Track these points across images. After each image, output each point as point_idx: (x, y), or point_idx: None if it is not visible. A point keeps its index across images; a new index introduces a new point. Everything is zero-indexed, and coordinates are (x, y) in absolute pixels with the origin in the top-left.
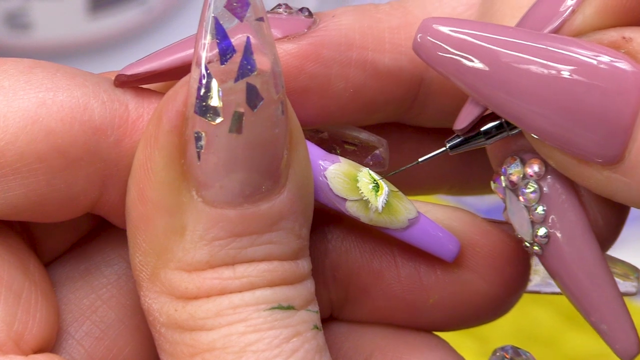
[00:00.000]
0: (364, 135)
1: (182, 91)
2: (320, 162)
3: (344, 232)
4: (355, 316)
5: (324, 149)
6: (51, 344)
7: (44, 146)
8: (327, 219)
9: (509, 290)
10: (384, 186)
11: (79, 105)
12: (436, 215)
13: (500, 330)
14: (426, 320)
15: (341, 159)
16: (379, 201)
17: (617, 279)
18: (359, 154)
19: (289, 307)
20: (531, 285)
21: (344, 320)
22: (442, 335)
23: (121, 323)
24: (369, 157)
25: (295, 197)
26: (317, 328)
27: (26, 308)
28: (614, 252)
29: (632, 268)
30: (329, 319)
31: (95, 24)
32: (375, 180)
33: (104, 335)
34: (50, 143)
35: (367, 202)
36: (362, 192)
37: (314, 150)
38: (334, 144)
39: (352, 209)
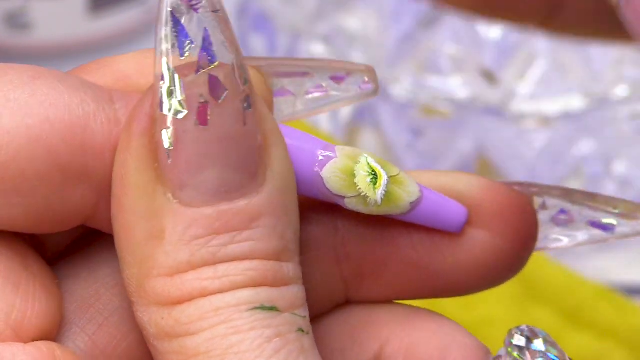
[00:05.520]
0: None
1: (150, 94)
2: (316, 156)
3: None
4: (373, 293)
5: (311, 88)
6: (53, 335)
7: (45, 165)
8: None
9: (521, 242)
10: (383, 175)
11: (81, 125)
12: (439, 181)
13: (501, 330)
14: (446, 285)
15: (338, 151)
16: (377, 194)
17: (622, 221)
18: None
19: (272, 308)
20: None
21: (362, 301)
22: None
23: (125, 310)
24: (359, 85)
25: (275, 199)
26: (302, 331)
27: (24, 298)
28: (614, 252)
29: (637, 206)
30: (344, 304)
31: (95, 24)
32: (373, 170)
33: (107, 322)
34: (51, 161)
35: (365, 196)
36: (359, 188)
37: (310, 143)
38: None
39: (351, 204)
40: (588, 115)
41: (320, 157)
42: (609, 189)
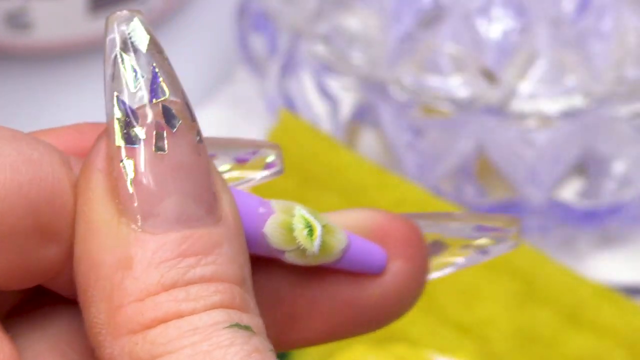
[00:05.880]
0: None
1: (104, 135)
2: (256, 213)
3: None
4: (303, 335)
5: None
6: None
7: (30, 223)
8: None
9: (424, 265)
10: (317, 226)
11: (60, 188)
12: (346, 221)
13: (500, 330)
14: (372, 318)
15: (274, 206)
16: (315, 246)
17: (496, 238)
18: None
19: (247, 327)
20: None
21: (292, 346)
22: (441, 334)
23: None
24: (263, 166)
25: (232, 235)
26: (274, 352)
27: None
28: (614, 252)
29: (512, 220)
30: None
31: (95, 24)
32: (308, 223)
33: None
34: (35, 220)
35: (304, 249)
36: (299, 242)
37: (248, 201)
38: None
39: (291, 258)
40: (588, 115)
41: (260, 214)
42: (609, 188)
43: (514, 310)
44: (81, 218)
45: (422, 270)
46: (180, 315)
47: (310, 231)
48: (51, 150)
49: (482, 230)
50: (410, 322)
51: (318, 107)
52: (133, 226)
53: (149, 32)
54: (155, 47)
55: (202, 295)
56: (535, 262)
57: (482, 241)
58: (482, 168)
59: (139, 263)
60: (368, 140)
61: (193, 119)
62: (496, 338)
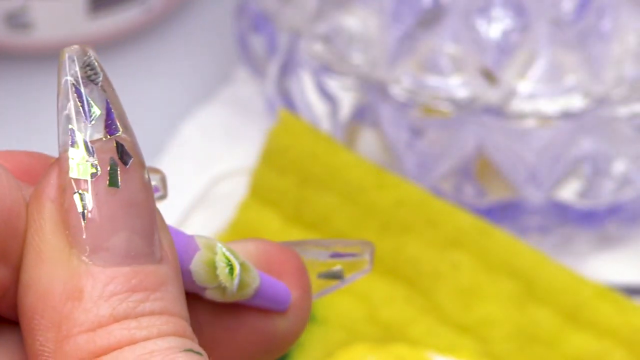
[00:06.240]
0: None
1: (56, 164)
2: (185, 250)
3: None
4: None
5: None
6: None
7: None
8: None
9: (310, 291)
10: (236, 265)
11: (16, 210)
12: (245, 253)
13: (500, 330)
14: (280, 344)
15: (199, 242)
16: (234, 285)
17: (348, 265)
18: None
19: (200, 353)
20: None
21: None
22: (441, 334)
23: None
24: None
25: (173, 274)
26: None
27: None
28: (614, 252)
29: (365, 245)
30: None
31: (95, 24)
32: (229, 261)
33: None
34: None
35: (225, 287)
36: (220, 280)
37: (178, 237)
38: None
39: (211, 294)
40: (588, 115)
41: (188, 250)
42: (608, 188)
43: (514, 310)
44: (31, 246)
45: (310, 296)
46: (134, 342)
47: (231, 270)
48: (7, 171)
49: (337, 256)
50: (410, 322)
51: (318, 107)
52: (83, 258)
53: (101, 68)
54: (107, 83)
55: (154, 324)
56: (535, 262)
57: (337, 268)
58: (482, 168)
59: (89, 295)
60: (368, 140)
61: (142, 156)
62: (496, 338)
